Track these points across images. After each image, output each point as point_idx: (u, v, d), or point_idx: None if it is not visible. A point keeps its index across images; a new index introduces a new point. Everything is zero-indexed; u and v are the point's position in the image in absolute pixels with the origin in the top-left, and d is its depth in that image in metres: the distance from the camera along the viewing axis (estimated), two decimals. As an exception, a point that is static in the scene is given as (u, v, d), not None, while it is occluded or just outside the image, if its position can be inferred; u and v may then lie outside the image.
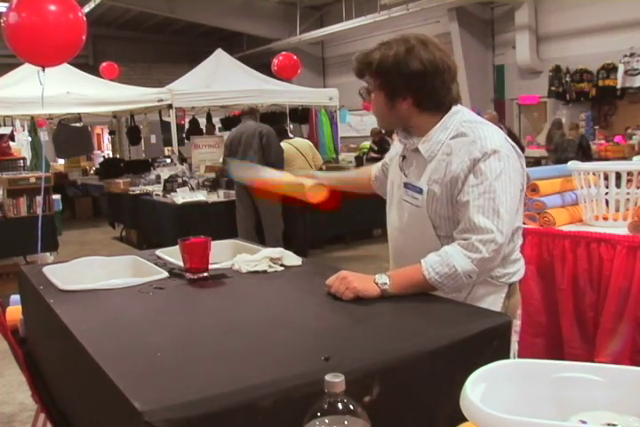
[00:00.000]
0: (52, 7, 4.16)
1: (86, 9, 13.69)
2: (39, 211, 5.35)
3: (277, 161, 6.01)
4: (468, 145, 1.52)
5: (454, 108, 1.60)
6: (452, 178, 1.52)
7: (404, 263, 1.65)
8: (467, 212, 1.49)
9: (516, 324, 1.70)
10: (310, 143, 6.81)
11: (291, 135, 7.10)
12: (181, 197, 6.35)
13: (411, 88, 1.54)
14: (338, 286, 1.42)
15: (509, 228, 1.50)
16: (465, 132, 1.55)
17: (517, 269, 1.66)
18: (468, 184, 1.50)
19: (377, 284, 1.42)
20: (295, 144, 6.45)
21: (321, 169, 7.28)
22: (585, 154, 8.80)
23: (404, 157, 1.70)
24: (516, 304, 1.69)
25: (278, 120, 9.00)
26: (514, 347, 1.54)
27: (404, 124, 1.64)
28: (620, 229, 2.80)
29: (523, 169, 1.58)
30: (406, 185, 1.64)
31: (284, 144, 6.28)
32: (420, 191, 1.59)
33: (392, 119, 1.64)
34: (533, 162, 9.53)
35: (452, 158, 1.53)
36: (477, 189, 1.48)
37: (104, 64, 12.50)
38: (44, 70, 4.23)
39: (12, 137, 8.61)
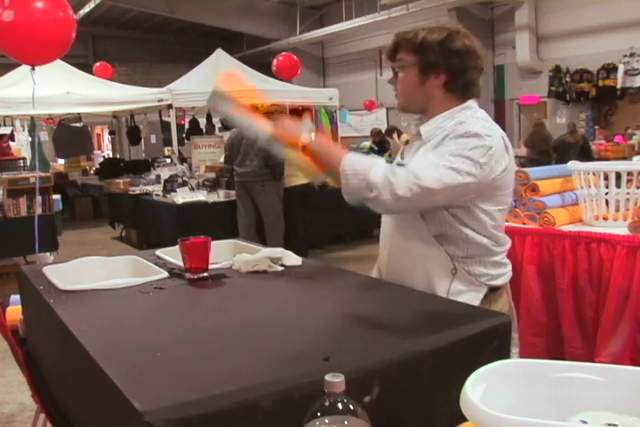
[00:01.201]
0: (40, 5, 4.15)
1: (86, 9, 13.70)
2: (39, 211, 5.35)
3: (277, 163, 6.01)
4: (460, 127, 1.55)
5: (469, 103, 1.64)
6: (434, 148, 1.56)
7: (390, 249, 1.73)
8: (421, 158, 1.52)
9: None
10: None
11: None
12: (181, 197, 6.35)
13: (448, 64, 1.59)
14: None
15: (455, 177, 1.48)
16: (466, 121, 1.57)
17: (501, 274, 1.66)
18: (443, 144, 1.53)
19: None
20: None
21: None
22: (586, 155, 8.79)
23: (406, 142, 1.75)
24: (502, 311, 1.66)
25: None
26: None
27: (425, 104, 1.66)
28: (620, 229, 2.79)
29: (507, 170, 1.58)
30: (399, 165, 1.67)
31: None
32: None
33: (417, 97, 1.66)
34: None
35: (441, 138, 1.57)
36: (447, 149, 1.50)
37: (97, 64, 12.32)
38: (33, 69, 4.23)
39: (11, 137, 8.61)
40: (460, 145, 1.49)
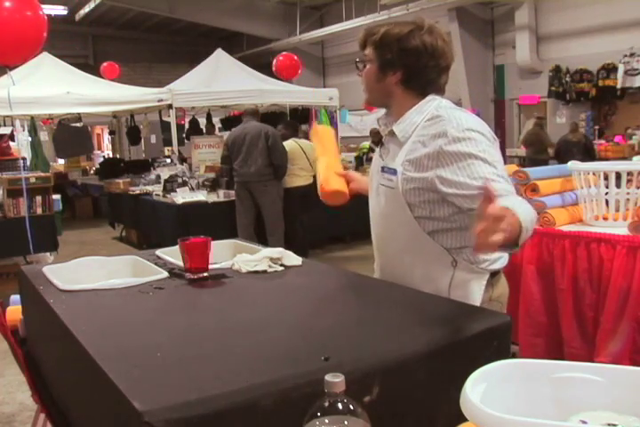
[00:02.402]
0: (8, 4, 4.15)
1: (86, 9, 13.71)
2: (39, 211, 5.36)
3: (282, 162, 6.02)
4: (443, 124, 1.53)
5: (431, 96, 1.63)
6: (427, 155, 1.54)
7: (385, 250, 1.73)
8: (470, 187, 1.46)
9: None
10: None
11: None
12: (181, 197, 6.36)
13: (403, 62, 1.59)
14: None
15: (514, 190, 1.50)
16: (440, 114, 1.57)
17: (499, 257, 1.67)
18: (457, 163, 1.49)
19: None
20: (301, 144, 6.47)
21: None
22: (590, 155, 8.81)
23: (382, 144, 1.73)
24: (503, 295, 1.70)
25: (279, 120, 9.03)
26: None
27: (387, 100, 1.67)
28: (620, 229, 2.80)
29: (498, 152, 1.57)
30: (383, 168, 1.67)
31: (291, 142, 6.31)
32: (394, 173, 1.61)
33: (377, 93, 1.67)
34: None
35: (427, 138, 1.55)
36: (470, 164, 1.47)
37: (105, 64, 12.52)
38: (9, 69, 4.24)
39: (11, 137, 8.60)
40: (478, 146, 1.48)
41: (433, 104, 1.61)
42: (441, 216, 1.59)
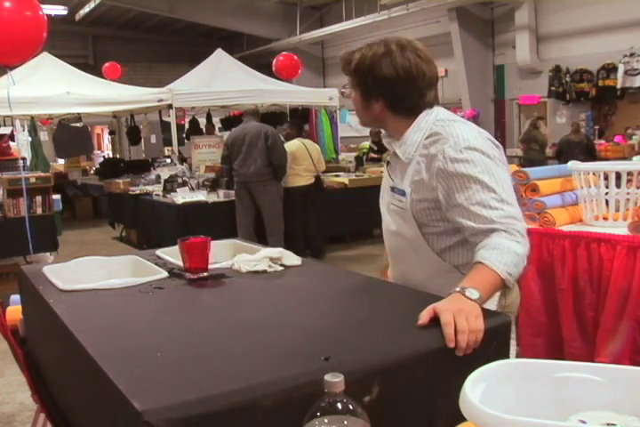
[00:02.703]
0: (8, 4, 4.16)
1: (86, 9, 13.72)
2: (39, 211, 5.36)
3: (281, 162, 6.02)
4: (441, 143, 1.52)
5: (426, 111, 1.60)
6: (432, 177, 1.53)
7: (401, 266, 1.73)
8: (468, 212, 1.47)
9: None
10: (319, 148, 6.85)
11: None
12: (181, 197, 6.36)
13: (382, 92, 1.57)
14: (463, 338, 1.18)
15: (517, 210, 1.48)
16: (438, 131, 1.55)
17: None
18: (455, 185, 1.49)
19: (473, 300, 1.28)
20: (307, 145, 6.48)
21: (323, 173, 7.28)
22: (591, 155, 8.81)
23: (389, 163, 1.73)
24: (514, 303, 1.69)
25: (280, 120, 9.01)
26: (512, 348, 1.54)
27: (380, 123, 1.66)
28: (620, 229, 2.80)
29: (504, 162, 1.56)
30: (392, 189, 1.67)
31: (297, 142, 6.31)
32: (403, 194, 1.61)
33: (368, 118, 1.67)
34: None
35: (429, 158, 1.54)
36: (467, 187, 1.47)
37: (107, 64, 12.56)
38: (9, 69, 4.24)
39: (11, 137, 8.60)
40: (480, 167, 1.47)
41: (430, 118, 1.59)
42: (452, 230, 1.58)
